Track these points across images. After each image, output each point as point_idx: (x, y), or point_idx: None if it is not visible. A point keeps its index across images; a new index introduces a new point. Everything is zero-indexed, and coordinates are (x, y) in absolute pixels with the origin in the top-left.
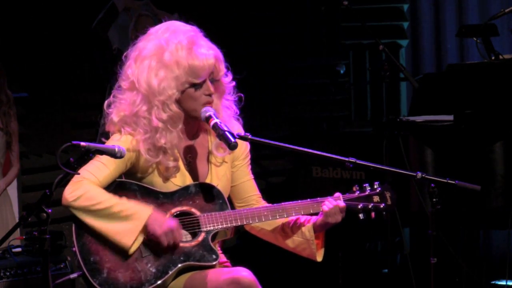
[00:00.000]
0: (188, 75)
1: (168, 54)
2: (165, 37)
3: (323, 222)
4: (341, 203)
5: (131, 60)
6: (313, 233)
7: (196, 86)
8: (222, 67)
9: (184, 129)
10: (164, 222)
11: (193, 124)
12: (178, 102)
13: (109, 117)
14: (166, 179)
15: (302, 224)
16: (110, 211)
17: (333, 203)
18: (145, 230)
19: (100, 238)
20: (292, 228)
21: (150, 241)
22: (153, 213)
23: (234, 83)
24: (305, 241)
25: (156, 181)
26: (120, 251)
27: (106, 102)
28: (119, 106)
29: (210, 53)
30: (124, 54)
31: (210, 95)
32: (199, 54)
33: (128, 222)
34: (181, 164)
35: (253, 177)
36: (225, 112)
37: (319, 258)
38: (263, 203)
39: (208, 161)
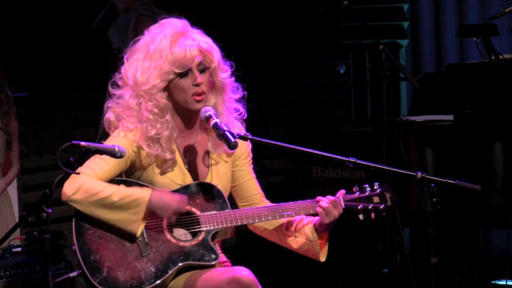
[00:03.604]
0: (171, 64)
1: (153, 46)
2: (154, 32)
3: (321, 222)
4: (331, 197)
5: (125, 59)
6: (315, 234)
7: (181, 76)
8: (215, 60)
9: (183, 126)
10: (167, 206)
11: (191, 120)
12: (168, 94)
13: (105, 116)
14: (163, 173)
15: (305, 224)
16: (110, 200)
17: (326, 201)
18: (149, 213)
19: (101, 235)
20: (295, 229)
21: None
22: (153, 195)
23: (233, 80)
24: (308, 242)
25: (156, 180)
26: (120, 250)
27: (105, 104)
28: (115, 104)
29: (194, 43)
30: (124, 54)
31: (198, 85)
32: (182, 44)
33: (130, 210)
34: (181, 162)
35: (255, 176)
36: (225, 111)
37: (323, 258)
38: (266, 202)
39: (209, 160)
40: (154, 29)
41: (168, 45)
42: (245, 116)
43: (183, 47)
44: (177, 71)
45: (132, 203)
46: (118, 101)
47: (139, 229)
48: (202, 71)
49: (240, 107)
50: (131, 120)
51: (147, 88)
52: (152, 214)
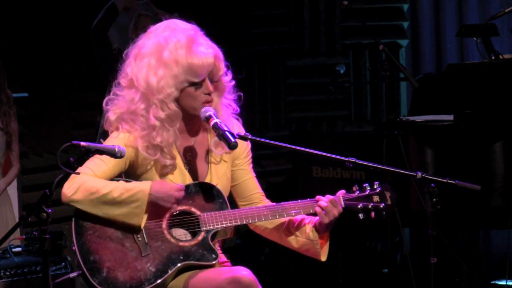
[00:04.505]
0: (187, 74)
1: (167, 53)
2: (164, 35)
3: (321, 222)
4: (331, 197)
5: (131, 58)
6: (316, 234)
7: (195, 85)
8: (222, 66)
9: (184, 128)
10: (168, 196)
11: (193, 123)
12: (177, 100)
13: (106, 115)
14: (162, 175)
15: (306, 224)
16: (111, 196)
17: (325, 200)
18: (151, 205)
19: (101, 235)
20: (296, 228)
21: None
22: (152, 187)
23: (233, 82)
24: (309, 242)
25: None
26: (120, 250)
27: (104, 100)
28: (117, 103)
29: (209, 51)
30: (124, 52)
31: (209, 94)
32: (198, 53)
33: (132, 204)
34: (180, 163)
35: (255, 175)
36: (224, 111)
37: (323, 258)
38: (267, 201)
39: (208, 160)
40: (161, 31)
41: (184, 54)
42: (238, 111)
43: (199, 57)
44: (194, 80)
45: (133, 197)
46: (120, 101)
47: (142, 221)
48: (211, 79)
49: (235, 105)
50: (135, 126)
51: (161, 97)
52: (154, 206)
